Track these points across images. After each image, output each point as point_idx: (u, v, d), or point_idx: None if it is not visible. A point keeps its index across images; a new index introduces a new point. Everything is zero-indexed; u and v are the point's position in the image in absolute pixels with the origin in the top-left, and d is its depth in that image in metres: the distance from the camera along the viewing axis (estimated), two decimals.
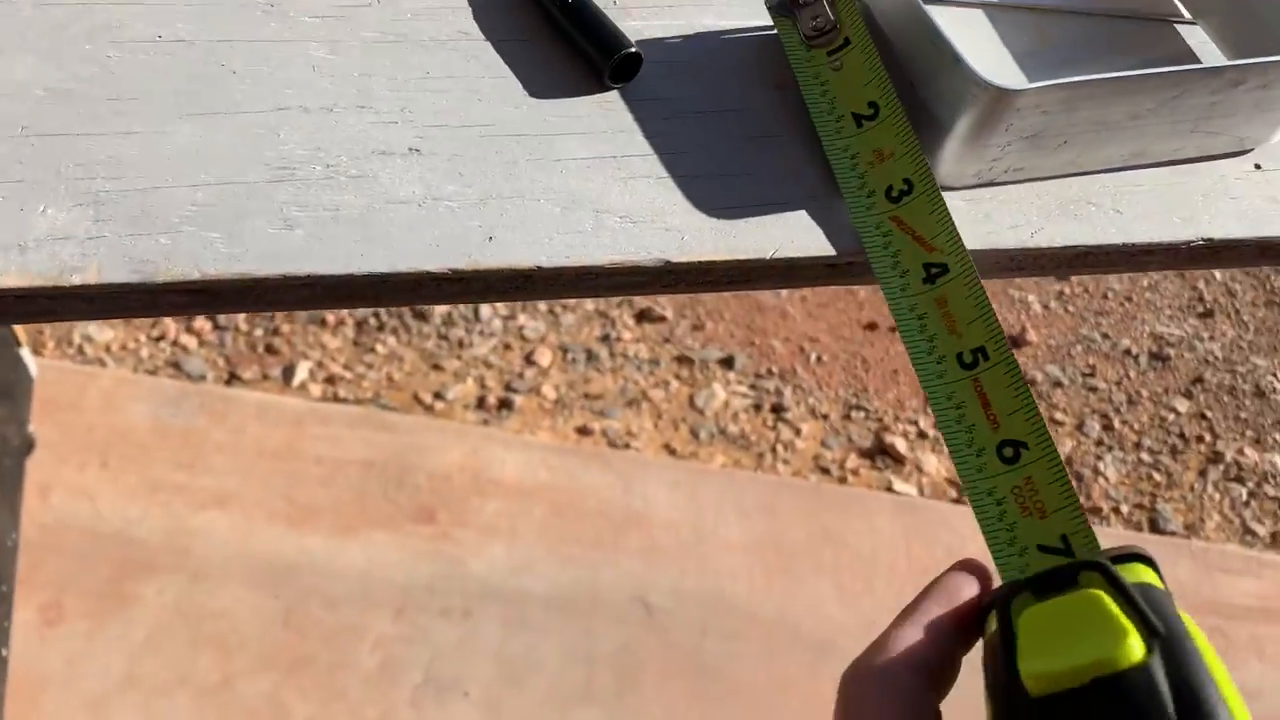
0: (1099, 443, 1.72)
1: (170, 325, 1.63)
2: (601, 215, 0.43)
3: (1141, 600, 0.30)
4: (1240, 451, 1.76)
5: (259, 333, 1.64)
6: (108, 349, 1.60)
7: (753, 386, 1.72)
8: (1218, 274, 1.99)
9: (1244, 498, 1.71)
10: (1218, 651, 0.30)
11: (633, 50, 0.46)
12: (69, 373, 1.54)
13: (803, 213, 0.45)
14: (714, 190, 0.45)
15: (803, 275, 0.44)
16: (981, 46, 0.53)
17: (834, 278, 0.45)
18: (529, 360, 1.68)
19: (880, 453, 1.68)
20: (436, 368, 1.65)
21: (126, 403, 1.50)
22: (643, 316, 1.77)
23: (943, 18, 0.45)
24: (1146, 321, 1.94)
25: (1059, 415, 1.75)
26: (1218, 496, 1.71)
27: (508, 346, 1.69)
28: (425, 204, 0.42)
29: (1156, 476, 1.70)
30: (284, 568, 1.38)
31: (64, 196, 0.39)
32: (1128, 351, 1.88)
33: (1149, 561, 0.33)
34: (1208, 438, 1.78)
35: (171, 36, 0.44)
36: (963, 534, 1.54)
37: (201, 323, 1.63)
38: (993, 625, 0.33)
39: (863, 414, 1.72)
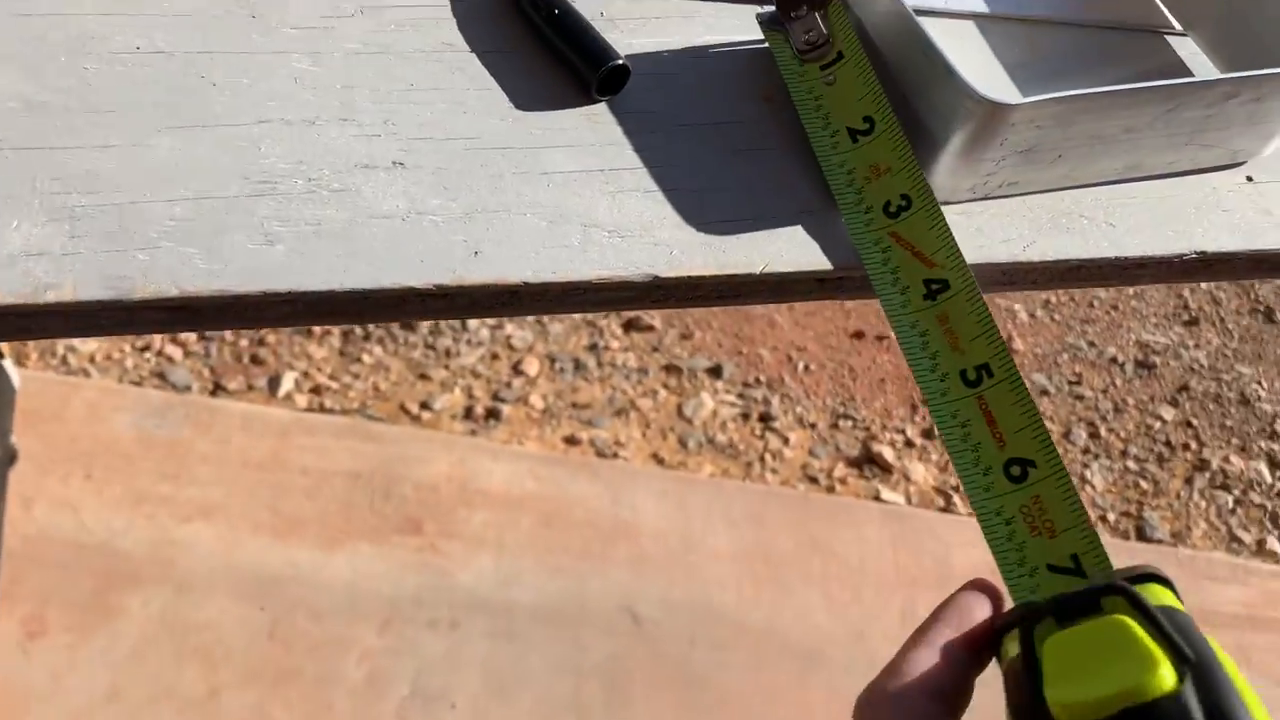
0: (1086, 451, 1.72)
1: (155, 336, 1.61)
2: (589, 229, 0.42)
3: (1170, 626, 0.29)
4: (1226, 459, 1.77)
5: (244, 343, 1.63)
6: (92, 359, 1.59)
7: (741, 395, 1.71)
8: (1203, 283, 2.00)
9: (1230, 505, 1.71)
10: None
11: (620, 62, 0.45)
12: (52, 383, 1.52)
13: (793, 227, 0.44)
14: (703, 204, 0.44)
15: (793, 290, 0.43)
16: (973, 59, 0.53)
17: (825, 293, 0.44)
18: (516, 370, 1.67)
19: (868, 462, 1.67)
20: (423, 377, 1.64)
21: (111, 413, 1.49)
22: (631, 326, 1.76)
23: (934, 30, 0.45)
24: (1132, 330, 1.94)
25: (1046, 423, 1.75)
26: (1204, 504, 1.71)
27: (495, 356, 1.68)
28: (409, 218, 0.41)
29: (1143, 484, 1.70)
30: (269, 579, 1.36)
31: (38, 211, 0.38)
32: (1114, 359, 1.88)
33: (1165, 581, 0.32)
34: (1194, 445, 1.78)
35: (150, 48, 0.43)
36: (949, 543, 1.54)
37: (186, 333, 1.61)
38: (1011, 650, 0.32)
39: (850, 423, 1.71)
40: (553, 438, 1.60)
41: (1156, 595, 0.31)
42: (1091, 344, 1.89)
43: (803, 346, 1.80)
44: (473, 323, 1.70)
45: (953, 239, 0.42)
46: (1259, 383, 1.88)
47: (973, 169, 0.45)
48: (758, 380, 1.73)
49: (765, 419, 1.68)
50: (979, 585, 0.36)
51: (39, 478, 1.40)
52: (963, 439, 0.39)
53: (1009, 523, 0.37)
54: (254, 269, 0.38)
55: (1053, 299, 1.94)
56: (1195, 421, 1.80)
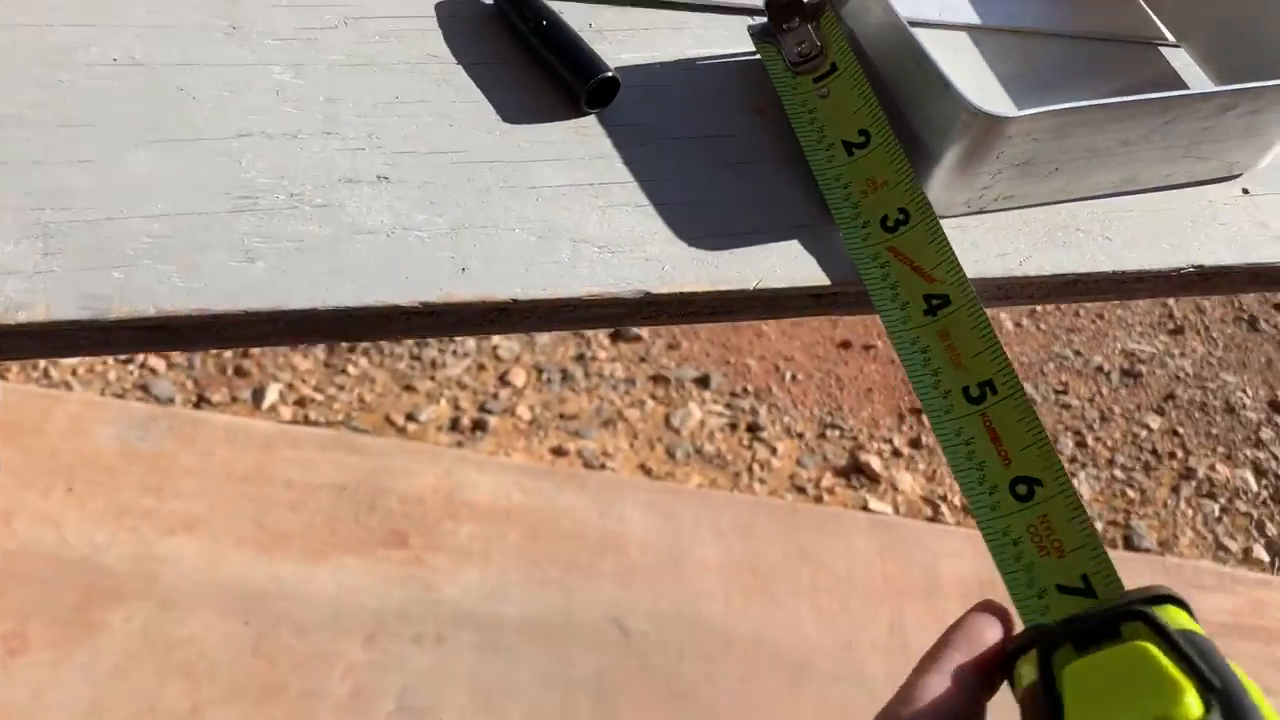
0: (1072, 460, 1.72)
1: None
2: (579, 245, 0.41)
3: (1194, 652, 0.28)
4: (1212, 468, 1.77)
5: (228, 355, 1.61)
6: (74, 372, 1.57)
7: (728, 405, 1.71)
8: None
9: (1216, 514, 1.71)
10: None
11: (610, 74, 0.44)
12: (33, 396, 1.50)
13: (787, 242, 0.43)
14: (695, 218, 0.43)
15: (787, 307, 0.42)
16: (966, 71, 0.52)
17: (819, 309, 0.43)
18: (503, 380, 1.66)
19: (855, 471, 1.67)
20: (409, 389, 1.62)
21: (93, 426, 1.47)
22: (618, 336, 1.76)
23: (927, 41, 0.44)
24: (1118, 338, 1.94)
25: None
26: (1190, 513, 1.71)
27: (481, 367, 1.67)
28: (394, 234, 0.40)
29: (1130, 493, 1.70)
30: (254, 594, 1.35)
31: (11, 228, 0.37)
32: (1100, 368, 1.89)
33: (1181, 603, 0.32)
34: (1180, 454, 1.78)
35: (127, 60, 0.42)
36: (937, 553, 1.53)
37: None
38: (1026, 675, 0.31)
39: (837, 432, 1.71)
40: (540, 449, 1.59)
41: (1174, 618, 0.31)
42: (1078, 353, 1.89)
43: (790, 356, 1.79)
44: None
45: (952, 253, 0.41)
46: (1244, 391, 1.88)
47: (968, 182, 0.44)
48: (745, 390, 1.73)
49: (753, 429, 1.68)
50: (988, 607, 0.35)
51: (19, 491, 1.39)
52: (967, 457, 0.38)
53: (1016, 543, 0.36)
54: (234, 287, 0.37)
55: (1038, 308, 1.94)
56: (1181, 430, 1.80)
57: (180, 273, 0.37)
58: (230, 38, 0.44)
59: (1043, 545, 0.36)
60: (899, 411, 1.76)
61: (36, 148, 0.39)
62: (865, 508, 1.61)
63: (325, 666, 1.30)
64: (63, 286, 0.36)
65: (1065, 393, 1.82)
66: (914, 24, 0.45)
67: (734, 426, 1.67)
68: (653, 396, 1.69)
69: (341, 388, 1.61)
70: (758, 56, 0.48)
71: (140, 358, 1.58)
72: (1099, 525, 1.64)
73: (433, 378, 1.64)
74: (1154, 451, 1.76)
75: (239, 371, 1.60)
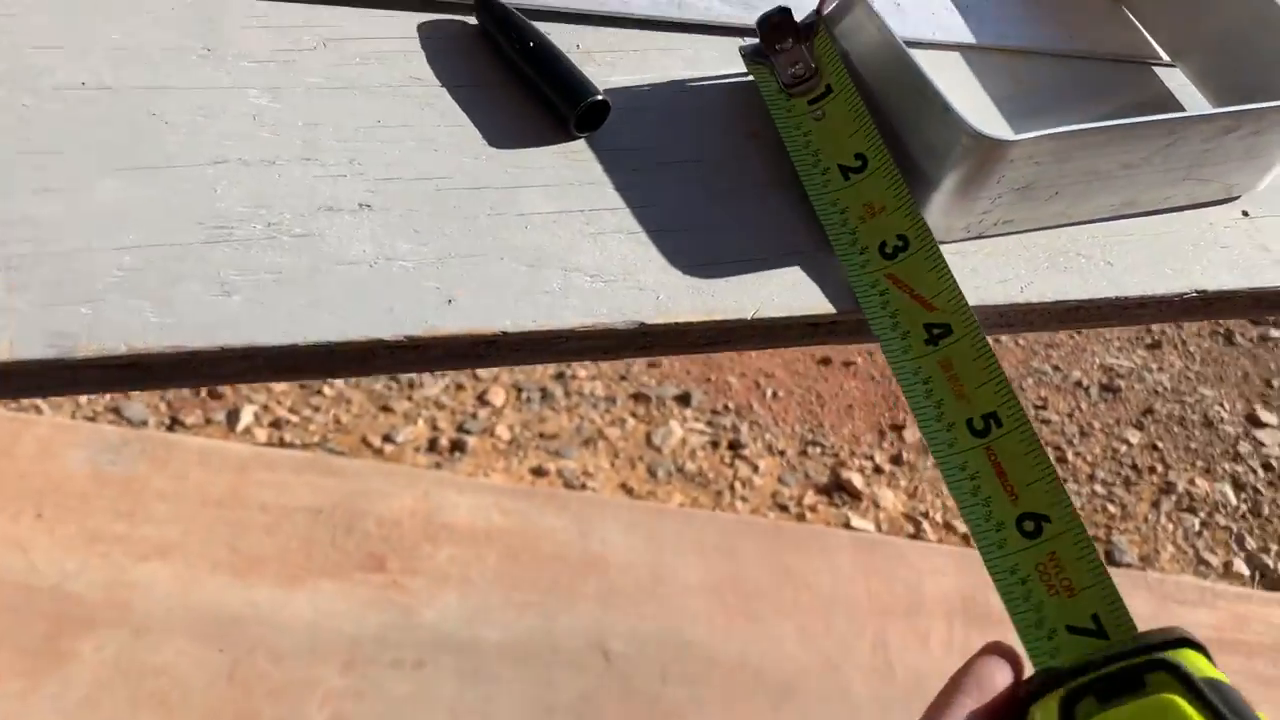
0: None
1: None
2: (570, 274, 0.40)
3: (1221, 703, 0.27)
4: (1191, 482, 1.77)
5: None
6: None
7: (709, 423, 1.69)
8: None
9: (1196, 528, 1.71)
10: None
11: (600, 98, 0.43)
12: (2, 420, 1.47)
13: (784, 269, 0.42)
14: (689, 245, 0.42)
15: (786, 336, 0.41)
16: (960, 91, 0.51)
17: (819, 338, 0.42)
18: (482, 400, 1.64)
19: (837, 489, 1.66)
20: (386, 409, 1.60)
21: (63, 450, 1.44)
22: None
23: (921, 62, 0.43)
24: (1096, 354, 1.95)
25: None
26: (1171, 527, 1.71)
27: (460, 386, 1.65)
28: (377, 264, 0.38)
29: (1111, 508, 1.70)
30: (228, 620, 1.32)
31: None
32: (1079, 383, 1.89)
33: (1199, 647, 0.31)
34: (1159, 468, 1.78)
35: (96, 83, 0.40)
36: (921, 570, 1.53)
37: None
38: None
39: (819, 449, 1.70)
40: (520, 469, 1.57)
41: (1196, 664, 0.30)
42: (1056, 368, 1.89)
43: (770, 373, 1.78)
44: None
45: (953, 281, 0.40)
46: (1221, 404, 1.89)
47: (968, 207, 0.43)
48: (726, 408, 1.72)
49: (734, 447, 1.67)
50: (997, 649, 0.34)
51: None
52: (972, 493, 0.37)
53: (1025, 581, 0.35)
54: (209, 322, 0.35)
55: None
56: (1160, 444, 1.80)
57: (152, 307, 0.35)
58: (205, 60, 0.42)
59: (1051, 584, 0.35)
60: (880, 428, 1.75)
61: None
62: (848, 525, 1.60)
63: (302, 694, 1.28)
64: (27, 324, 0.34)
65: (1044, 408, 1.82)
66: (908, 44, 0.44)
67: (715, 444, 1.66)
68: (633, 415, 1.67)
69: (317, 409, 1.58)
70: (750, 78, 0.47)
71: None
72: None
73: (410, 398, 1.62)
74: (1134, 466, 1.76)
75: (213, 393, 1.58)
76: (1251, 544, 1.69)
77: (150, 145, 0.39)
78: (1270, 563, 1.68)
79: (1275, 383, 1.95)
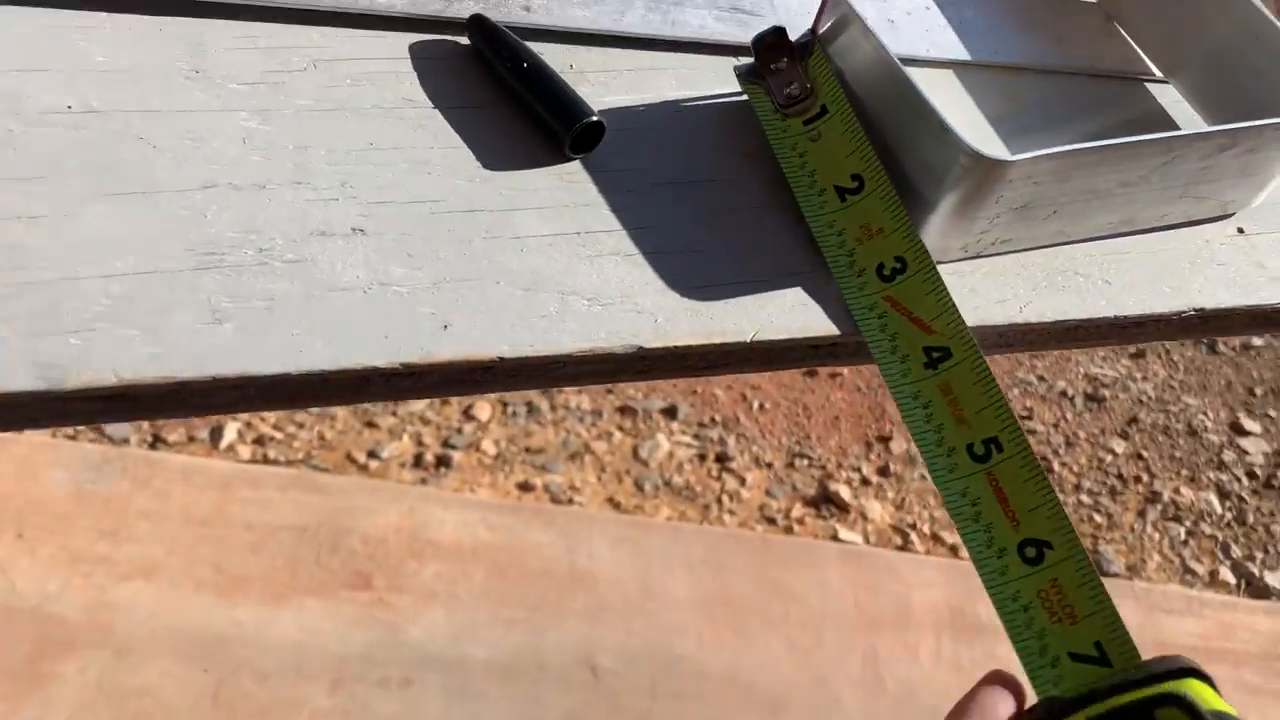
0: None
1: None
2: (567, 297, 0.39)
3: None
4: (1177, 491, 1.77)
5: None
6: None
7: (696, 436, 1.69)
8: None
9: (1182, 537, 1.72)
10: None
11: (595, 119, 0.42)
12: None
13: (783, 291, 0.41)
14: (687, 267, 0.41)
15: (785, 359, 0.41)
16: (955, 109, 0.51)
17: (818, 360, 0.41)
18: (467, 415, 1.63)
19: (825, 501, 1.65)
20: (370, 425, 1.59)
21: (44, 469, 1.43)
22: None
23: (918, 80, 0.42)
24: (1080, 363, 1.95)
25: None
26: (1157, 536, 1.71)
27: (445, 401, 1.64)
28: (371, 290, 0.38)
29: (1097, 518, 1.71)
30: (213, 640, 1.31)
31: None
32: (1063, 393, 1.89)
33: (1204, 676, 0.30)
34: (1145, 478, 1.79)
35: (83, 107, 0.39)
36: (909, 582, 1.52)
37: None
38: None
39: (806, 461, 1.70)
40: (506, 484, 1.56)
41: (1203, 696, 0.29)
42: (1041, 378, 1.90)
43: (757, 385, 1.78)
44: None
45: (952, 304, 0.40)
46: (1205, 413, 1.89)
47: (966, 227, 0.43)
48: (713, 420, 1.71)
49: (721, 459, 1.66)
50: (999, 678, 0.34)
51: None
52: (974, 519, 0.37)
53: (1027, 609, 0.35)
54: (200, 351, 0.34)
55: None
56: (1145, 454, 1.81)
57: (142, 337, 0.34)
58: (193, 83, 0.42)
59: (1054, 611, 0.35)
60: (866, 439, 1.75)
61: None
62: (835, 538, 1.59)
63: (288, 714, 1.26)
64: (14, 354, 0.33)
65: (1030, 418, 1.83)
66: (903, 61, 0.43)
67: (702, 457, 1.66)
68: (620, 428, 1.67)
69: (301, 425, 1.57)
70: (744, 97, 0.47)
71: None
72: None
73: (395, 413, 1.61)
74: (1119, 476, 1.76)
75: None
76: (1237, 552, 1.70)
77: (138, 170, 0.38)
78: (1255, 571, 1.68)
79: (1258, 391, 1.96)
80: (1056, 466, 1.76)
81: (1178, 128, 0.54)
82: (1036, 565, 0.36)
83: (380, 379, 0.36)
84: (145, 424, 1.53)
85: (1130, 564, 1.65)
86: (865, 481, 1.68)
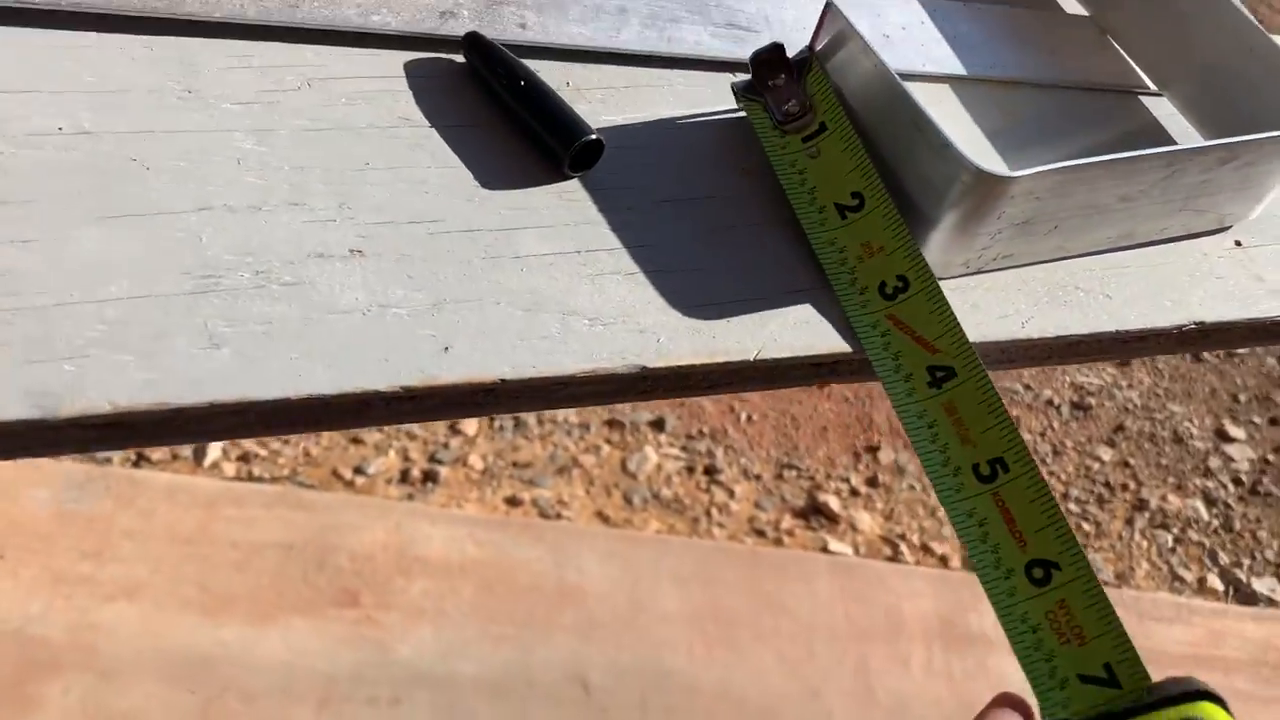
0: None
1: None
2: (568, 317, 0.39)
3: None
4: (1164, 498, 1.78)
5: None
6: None
7: (684, 448, 1.68)
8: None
9: (1170, 544, 1.72)
10: None
11: (594, 137, 0.42)
12: None
13: (786, 309, 0.41)
14: (688, 286, 0.41)
15: (789, 377, 0.40)
16: (952, 124, 0.51)
17: (822, 378, 0.41)
18: (454, 429, 1.62)
19: (814, 512, 1.65)
20: (356, 441, 1.58)
21: (25, 490, 1.41)
22: None
23: (916, 96, 0.42)
24: (1066, 372, 1.96)
25: None
26: (1145, 544, 1.72)
27: None
28: (371, 312, 0.37)
29: (1086, 526, 1.71)
30: (199, 660, 1.29)
31: None
32: (1050, 402, 1.90)
33: (1216, 698, 0.30)
34: (1132, 485, 1.79)
35: (74, 128, 0.39)
36: (900, 593, 1.52)
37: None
38: None
39: (795, 473, 1.70)
40: (494, 499, 1.55)
41: (1215, 718, 0.29)
42: (1027, 387, 1.90)
43: (744, 397, 1.78)
44: None
45: (956, 323, 0.39)
46: (1190, 421, 1.90)
47: (967, 243, 0.43)
48: (701, 432, 1.71)
49: (710, 472, 1.66)
50: (1008, 701, 0.33)
51: None
52: (981, 539, 0.36)
53: (1035, 630, 0.35)
54: (198, 377, 0.34)
55: None
56: (1132, 461, 1.81)
57: (137, 362, 0.34)
58: (186, 103, 0.41)
59: (1062, 633, 0.35)
60: (855, 450, 1.75)
61: None
62: (825, 549, 1.59)
63: None
64: (5, 382, 0.32)
65: (1017, 427, 1.83)
66: (899, 77, 0.43)
67: (691, 470, 1.65)
68: (608, 441, 1.66)
69: (286, 442, 1.56)
70: (742, 114, 0.46)
71: None
72: None
73: (380, 429, 1.60)
74: (1107, 484, 1.77)
75: None
76: (1224, 559, 1.71)
77: (131, 192, 0.38)
78: (1243, 577, 1.69)
79: (1241, 398, 1.97)
80: (1045, 475, 1.76)
81: (1173, 141, 0.54)
82: (1044, 586, 0.35)
83: (381, 402, 0.36)
84: None
85: (1119, 572, 1.65)
86: (854, 492, 1.68)
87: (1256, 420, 1.91)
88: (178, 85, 0.41)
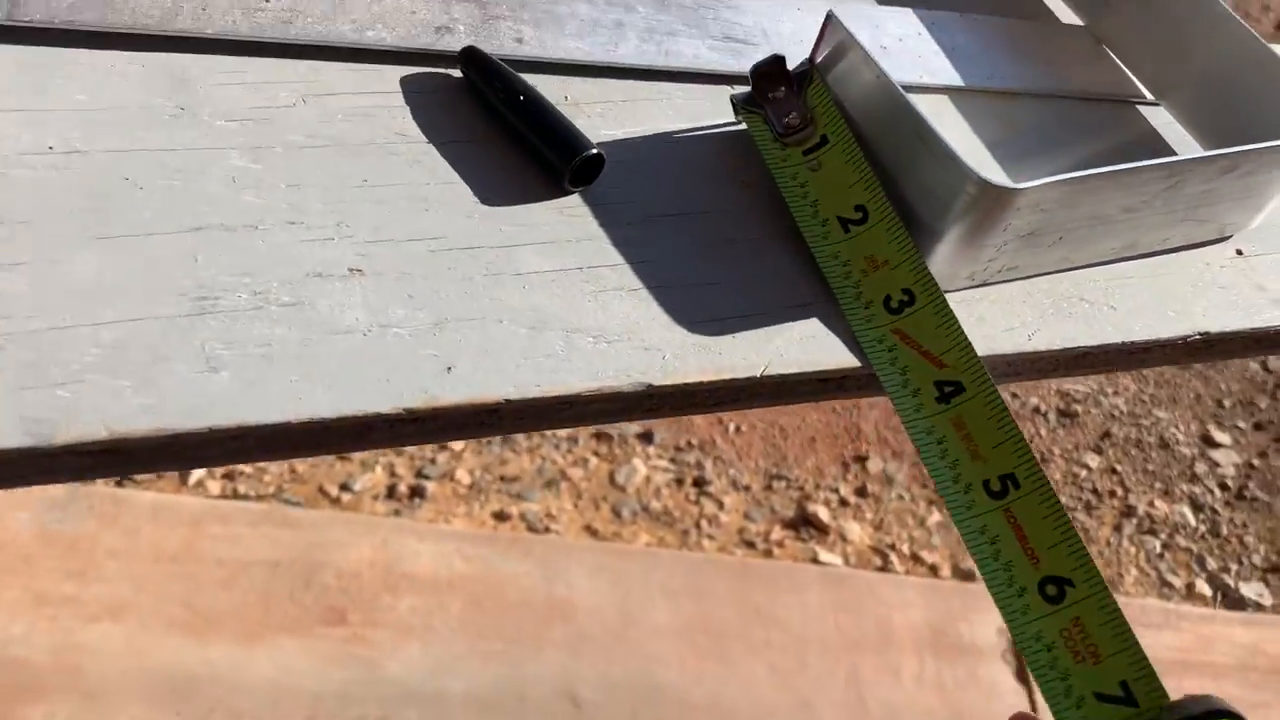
0: None
1: None
2: (572, 335, 0.38)
3: None
4: (1151, 504, 1.79)
5: None
6: None
7: (673, 460, 1.68)
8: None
9: (1158, 550, 1.73)
10: None
11: (595, 152, 0.41)
12: None
13: (791, 324, 0.40)
14: (692, 301, 0.40)
15: (796, 393, 0.40)
16: (953, 136, 0.50)
17: (828, 394, 0.40)
18: (440, 444, 1.61)
19: (804, 523, 1.65)
20: (342, 458, 1.56)
21: (7, 510, 1.39)
22: None
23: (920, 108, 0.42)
24: (1052, 379, 1.96)
25: None
26: (1133, 550, 1.72)
27: None
28: (371, 333, 0.36)
29: None
30: (185, 681, 1.28)
31: None
32: (1037, 409, 1.90)
33: (1234, 716, 0.30)
34: (1119, 492, 1.79)
35: (65, 147, 0.38)
36: (890, 604, 1.52)
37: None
38: None
39: (784, 483, 1.69)
40: (481, 514, 1.54)
41: None
42: (1014, 395, 1.90)
43: None
44: None
45: (964, 336, 0.39)
46: (1176, 426, 1.91)
47: (973, 256, 0.42)
48: (689, 444, 1.70)
49: (699, 483, 1.65)
50: None
51: None
52: (993, 556, 0.36)
53: (1050, 648, 0.34)
54: (196, 402, 0.33)
55: None
56: (1119, 468, 1.82)
57: (134, 387, 0.33)
58: (178, 120, 0.40)
59: (1077, 650, 0.34)
60: (843, 460, 1.75)
61: None
62: (815, 560, 1.59)
63: None
64: (0, 409, 0.31)
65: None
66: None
67: (680, 481, 1.65)
68: (596, 454, 1.65)
69: None
70: (742, 126, 0.46)
71: None
72: None
73: None
74: (1094, 491, 1.77)
75: None
76: (1212, 564, 1.71)
77: (125, 212, 0.37)
78: (1231, 582, 1.69)
79: (1226, 403, 1.98)
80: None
81: (1171, 150, 0.54)
82: (1058, 604, 0.35)
83: (383, 425, 0.35)
84: None
85: (1108, 578, 1.65)
86: (844, 502, 1.68)
87: (1241, 425, 1.92)
88: (170, 103, 0.40)
